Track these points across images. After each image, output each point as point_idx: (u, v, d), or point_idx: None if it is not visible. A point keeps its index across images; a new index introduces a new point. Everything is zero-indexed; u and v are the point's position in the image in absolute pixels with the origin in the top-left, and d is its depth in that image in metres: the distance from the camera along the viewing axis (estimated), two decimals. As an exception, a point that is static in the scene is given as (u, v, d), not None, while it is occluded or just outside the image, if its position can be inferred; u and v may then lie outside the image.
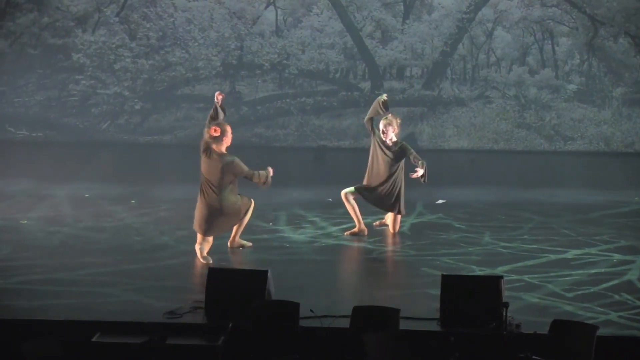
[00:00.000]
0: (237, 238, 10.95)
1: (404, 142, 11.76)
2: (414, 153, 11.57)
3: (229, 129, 10.64)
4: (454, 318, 7.90)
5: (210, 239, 10.52)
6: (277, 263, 10.33)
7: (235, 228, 10.89)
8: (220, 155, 10.42)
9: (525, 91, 17.20)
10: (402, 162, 11.60)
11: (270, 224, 12.33)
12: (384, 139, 11.56)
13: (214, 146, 10.42)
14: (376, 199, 11.60)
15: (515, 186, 15.22)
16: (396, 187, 11.56)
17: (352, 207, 11.61)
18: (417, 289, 9.43)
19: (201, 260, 10.28)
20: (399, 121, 11.74)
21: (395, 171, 11.56)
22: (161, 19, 17.34)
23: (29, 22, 17.30)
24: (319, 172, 16.18)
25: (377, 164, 11.61)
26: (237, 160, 10.48)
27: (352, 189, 11.60)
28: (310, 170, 15.75)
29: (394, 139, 11.59)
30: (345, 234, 11.66)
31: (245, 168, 10.52)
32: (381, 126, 11.60)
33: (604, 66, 17.22)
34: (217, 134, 10.41)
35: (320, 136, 17.22)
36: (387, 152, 11.54)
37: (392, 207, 11.61)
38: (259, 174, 10.58)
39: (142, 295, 8.88)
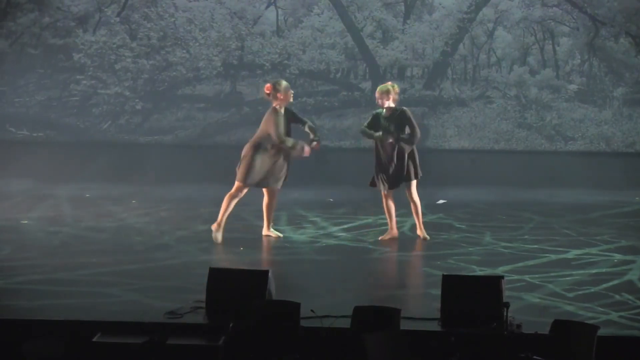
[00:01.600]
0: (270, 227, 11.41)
1: (404, 108, 11.51)
2: (412, 124, 11.32)
3: (281, 86, 11.25)
4: (455, 318, 7.90)
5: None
6: (278, 263, 10.34)
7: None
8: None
9: (526, 91, 17.19)
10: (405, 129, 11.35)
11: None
12: (381, 106, 11.39)
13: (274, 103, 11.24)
14: (395, 180, 11.41)
15: (516, 186, 15.23)
16: (405, 157, 11.36)
17: (388, 209, 11.48)
18: (418, 289, 9.43)
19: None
20: (397, 90, 11.51)
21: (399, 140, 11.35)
22: (162, 19, 17.33)
23: (29, 22, 17.29)
24: (319, 172, 16.18)
25: (382, 146, 11.43)
26: (271, 111, 11.19)
27: (386, 187, 11.43)
28: (311, 171, 15.73)
29: (392, 105, 11.42)
30: (380, 239, 11.54)
31: (274, 121, 11.18)
32: (377, 94, 11.44)
33: (604, 66, 17.21)
34: (268, 91, 11.25)
35: (321, 136, 17.17)
36: (386, 122, 11.37)
37: (410, 176, 11.38)
38: (285, 139, 11.21)
39: (142, 296, 8.88)
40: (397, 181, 11.40)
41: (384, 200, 11.46)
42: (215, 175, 14.21)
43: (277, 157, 11.22)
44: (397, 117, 11.32)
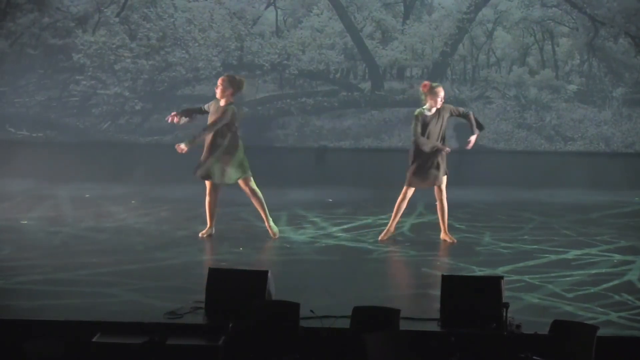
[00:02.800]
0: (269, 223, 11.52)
1: (445, 104, 11.30)
2: (459, 110, 11.29)
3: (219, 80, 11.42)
4: (455, 318, 7.91)
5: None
6: (277, 263, 10.35)
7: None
8: None
9: (526, 91, 17.20)
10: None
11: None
12: (434, 105, 11.19)
13: None
14: (431, 176, 11.25)
15: (515, 186, 15.23)
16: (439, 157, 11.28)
17: (398, 208, 11.39)
18: (418, 290, 9.44)
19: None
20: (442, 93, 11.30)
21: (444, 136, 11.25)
22: (161, 19, 17.34)
23: (29, 23, 17.30)
24: (319, 172, 16.19)
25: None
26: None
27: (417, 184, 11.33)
28: (311, 171, 15.74)
29: (439, 105, 11.23)
30: (379, 239, 11.47)
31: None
32: (441, 94, 11.20)
33: (604, 66, 17.21)
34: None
35: (321, 137, 17.21)
36: (435, 120, 11.23)
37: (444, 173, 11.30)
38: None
39: (142, 296, 8.89)
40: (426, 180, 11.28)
41: (401, 197, 11.35)
42: (215, 175, 14.19)
43: (209, 152, 11.33)
44: (441, 111, 11.23)
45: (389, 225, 11.48)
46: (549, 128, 17.10)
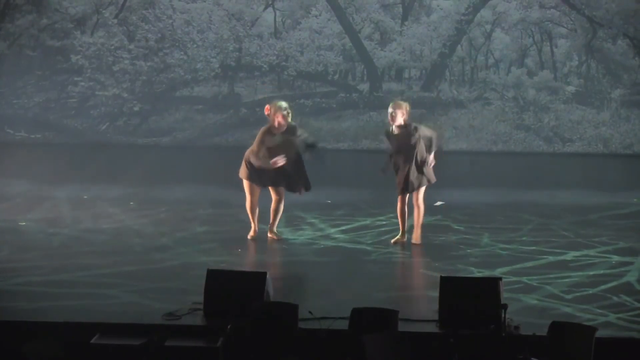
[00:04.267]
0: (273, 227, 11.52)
1: (415, 124, 11.34)
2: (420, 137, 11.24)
3: (274, 108, 11.29)
4: (453, 320, 7.91)
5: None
6: (276, 265, 10.36)
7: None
8: None
9: (524, 93, 17.20)
10: (417, 138, 11.25)
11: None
12: (391, 123, 11.29)
13: None
14: (413, 182, 11.29)
15: (514, 188, 15.23)
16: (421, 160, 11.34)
17: (400, 213, 11.42)
18: (416, 291, 9.44)
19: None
20: (408, 108, 11.34)
21: (414, 148, 11.22)
22: (160, 20, 17.34)
23: (27, 24, 17.29)
24: (317, 173, 16.17)
25: (398, 156, 11.34)
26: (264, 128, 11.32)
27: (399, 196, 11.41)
28: (309, 172, 15.71)
29: (402, 122, 11.25)
30: (392, 242, 11.47)
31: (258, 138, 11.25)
32: (390, 110, 11.28)
33: (602, 68, 17.22)
34: (267, 112, 11.34)
35: (319, 138, 17.18)
36: (399, 135, 11.25)
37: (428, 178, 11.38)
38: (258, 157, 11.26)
39: (141, 297, 8.89)
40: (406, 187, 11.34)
41: (398, 203, 11.40)
42: (213, 176, 14.23)
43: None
44: (408, 130, 11.22)
45: (401, 230, 11.46)
46: (547, 129, 17.10)
